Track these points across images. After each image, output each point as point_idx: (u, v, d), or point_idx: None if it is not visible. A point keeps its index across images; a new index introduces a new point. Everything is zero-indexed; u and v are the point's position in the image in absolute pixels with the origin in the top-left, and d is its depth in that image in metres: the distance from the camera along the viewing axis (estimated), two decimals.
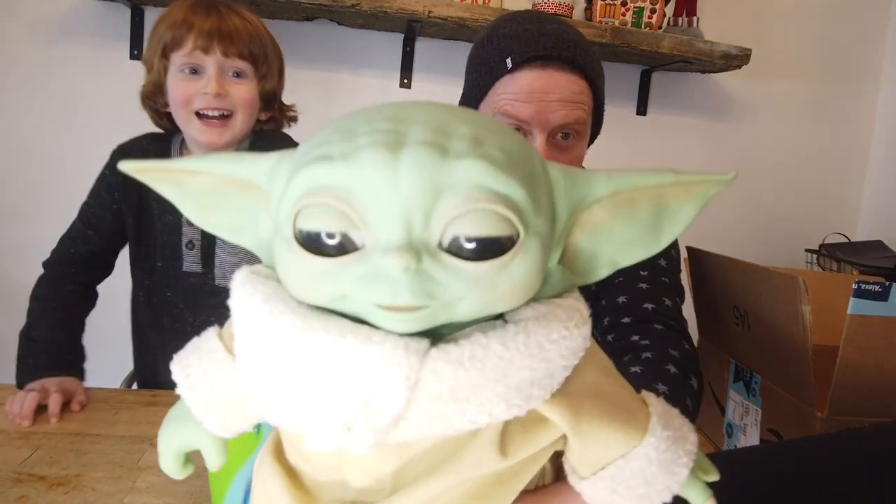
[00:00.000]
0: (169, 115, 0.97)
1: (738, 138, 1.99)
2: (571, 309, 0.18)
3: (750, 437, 0.75)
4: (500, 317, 0.17)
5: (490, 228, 0.15)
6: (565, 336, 0.17)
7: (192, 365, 0.21)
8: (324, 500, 0.19)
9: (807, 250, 1.80)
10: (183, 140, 1.01)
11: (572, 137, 0.76)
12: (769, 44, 1.89)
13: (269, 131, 1.05)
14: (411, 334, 0.16)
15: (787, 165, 2.04)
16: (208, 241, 1.02)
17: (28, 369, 0.89)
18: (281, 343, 0.15)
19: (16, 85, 1.65)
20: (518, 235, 0.16)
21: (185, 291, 1.03)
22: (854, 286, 0.61)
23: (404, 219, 0.15)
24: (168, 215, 1.01)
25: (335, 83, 1.76)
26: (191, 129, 0.93)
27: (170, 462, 0.23)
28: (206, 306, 1.05)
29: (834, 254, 1.68)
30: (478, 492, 0.17)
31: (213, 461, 0.23)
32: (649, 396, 0.21)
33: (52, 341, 0.95)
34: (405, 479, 0.17)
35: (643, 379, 0.62)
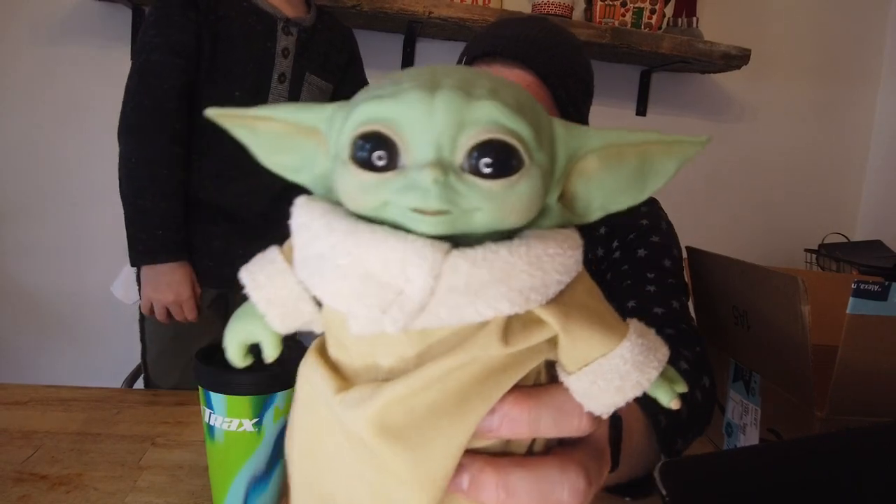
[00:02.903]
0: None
1: (738, 138, 1.99)
2: (566, 234, 0.22)
3: (750, 437, 0.75)
4: (508, 236, 0.21)
5: (502, 155, 0.20)
6: (559, 253, 0.21)
7: (256, 271, 0.25)
8: (359, 383, 0.22)
9: (806, 250, 1.80)
10: None
11: None
12: (769, 44, 1.89)
13: (328, 12, 1.11)
14: (437, 238, 0.20)
15: (787, 165, 2.04)
16: (297, 78, 1.03)
17: (145, 250, 0.98)
18: (335, 243, 0.20)
19: (17, 85, 1.65)
20: (524, 163, 0.20)
21: None
22: (853, 286, 0.61)
23: (436, 144, 0.20)
24: (256, 44, 1.00)
25: None
26: None
27: (234, 353, 0.28)
28: None
29: (833, 254, 1.68)
30: (482, 375, 0.22)
31: (269, 352, 0.28)
32: (630, 320, 0.24)
33: (166, 215, 0.97)
34: (425, 361, 0.21)
35: None
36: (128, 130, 0.99)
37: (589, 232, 0.80)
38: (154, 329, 1.10)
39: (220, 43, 0.99)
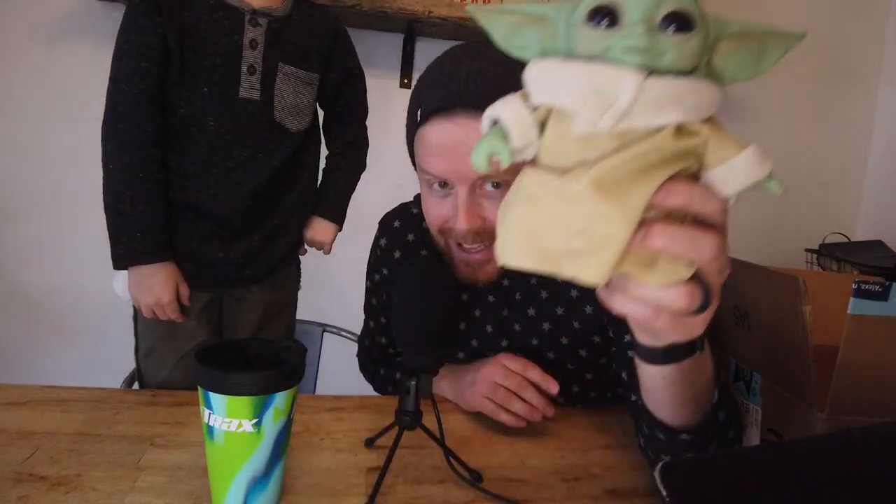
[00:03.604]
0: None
1: None
2: (712, 83, 0.34)
3: (750, 437, 0.75)
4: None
5: (683, 21, 0.31)
6: (710, 90, 0.33)
7: (496, 106, 0.36)
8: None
9: (807, 250, 1.80)
10: None
11: (504, 186, 0.68)
12: None
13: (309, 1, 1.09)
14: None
15: (787, 165, 2.04)
16: (269, 69, 1.02)
17: (126, 253, 0.99)
18: (574, 70, 0.32)
19: (16, 85, 1.65)
20: (694, 28, 0.32)
21: (235, 120, 1.01)
22: (854, 286, 0.61)
23: (644, 12, 0.31)
24: (222, 38, 0.99)
25: None
26: None
27: (481, 157, 0.36)
28: (257, 139, 1.04)
29: (834, 254, 1.68)
30: (658, 160, 0.33)
31: (505, 160, 0.35)
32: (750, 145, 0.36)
33: (145, 218, 0.99)
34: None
35: None
36: (105, 138, 1.00)
37: None
38: (145, 327, 1.11)
39: (186, 41, 0.99)
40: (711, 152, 0.34)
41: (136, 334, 1.14)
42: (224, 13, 1.00)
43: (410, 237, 0.90)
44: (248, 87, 1.01)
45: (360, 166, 1.27)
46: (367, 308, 0.99)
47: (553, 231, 0.34)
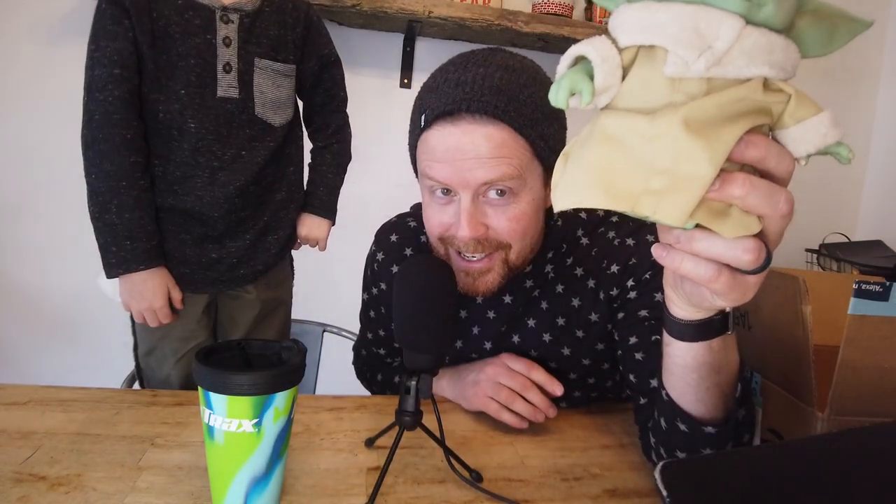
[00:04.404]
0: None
1: None
2: (796, 48, 0.34)
3: None
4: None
5: None
6: (797, 56, 0.34)
7: (582, 43, 0.35)
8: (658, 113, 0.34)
9: (807, 250, 1.80)
10: None
11: (508, 195, 0.67)
12: None
13: None
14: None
15: None
16: (245, 66, 1.01)
17: (117, 262, 0.99)
18: (677, 11, 0.32)
19: (16, 85, 1.65)
20: None
21: (216, 120, 1.01)
22: (854, 286, 0.61)
23: None
24: (195, 38, 0.98)
25: None
26: None
27: (562, 98, 0.34)
28: (240, 137, 1.04)
29: (834, 254, 1.68)
30: (744, 109, 0.33)
31: (586, 97, 0.34)
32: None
33: (132, 226, 0.98)
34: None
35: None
36: (85, 147, 0.99)
37: (601, 271, 0.77)
38: (143, 326, 1.10)
39: (158, 43, 0.97)
40: (789, 112, 0.35)
41: (133, 333, 1.14)
42: (194, 12, 0.99)
43: (408, 251, 0.88)
44: (226, 86, 1.00)
45: (346, 157, 1.25)
46: (364, 319, 0.97)
47: (634, 170, 0.34)
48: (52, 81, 1.65)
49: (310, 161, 1.24)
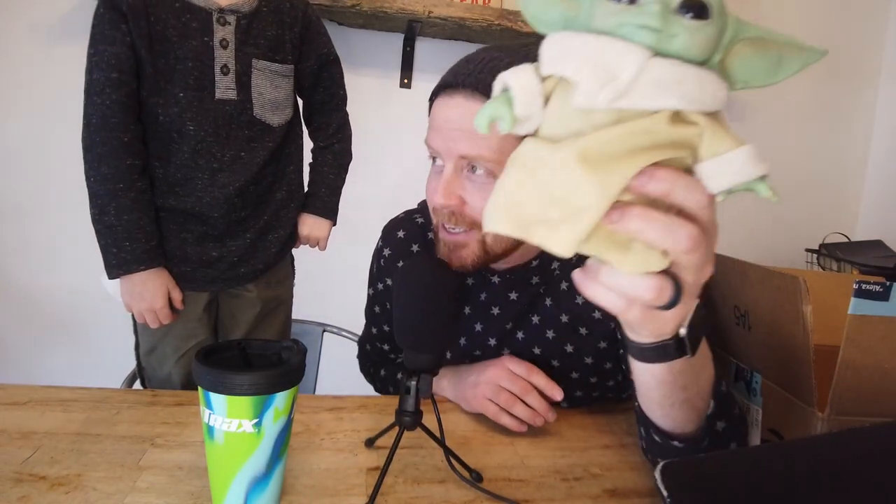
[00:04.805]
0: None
1: None
2: (719, 79, 0.33)
3: (750, 437, 0.75)
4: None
5: (699, 8, 0.31)
6: (714, 83, 0.33)
7: (508, 72, 0.36)
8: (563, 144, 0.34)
9: (807, 250, 1.80)
10: None
11: (483, 173, 0.68)
12: None
13: None
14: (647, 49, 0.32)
15: (787, 165, 2.04)
16: (243, 67, 1.01)
17: (118, 262, 0.99)
18: (585, 40, 0.32)
19: (16, 85, 1.65)
20: (710, 17, 0.31)
21: (215, 122, 1.01)
22: (854, 286, 0.61)
23: None
24: (192, 41, 0.98)
25: None
26: None
27: (483, 124, 0.36)
28: (239, 139, 1.04)
29: (834, 254, 1.68)
30: (648, 143, 0.33)
31: (506, 125, 0.35)
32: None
33: (131, 227, 0.98)
34: None
35: None
36: (84, 151, 1.00)
37: None
38: (144, 326, 1.11)
39: (156, 47, 0.98)
40: (705, 145, 0.34)
41: (135, 332, 1.14)
42: (191, 15, 0.99)
43: (415, 248, 0.90)
44: (224, 88, 1.01)
45: (347, 157, 1.25)
46: (370, 315, 0.99)
47: (534, 198, 0.34)
48: (52, 81, 1.65)
49: (311, 161, 1.24)
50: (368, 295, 0.97)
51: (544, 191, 0.34)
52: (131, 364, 1.18)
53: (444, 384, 0.85)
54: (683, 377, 0.51)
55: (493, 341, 0.84)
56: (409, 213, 0.94)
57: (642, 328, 0.44)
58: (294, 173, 1.17)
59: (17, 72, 1.65)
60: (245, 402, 0.51)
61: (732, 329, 0.82)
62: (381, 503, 0.60)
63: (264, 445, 0.53)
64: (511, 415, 0.75)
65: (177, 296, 1.07)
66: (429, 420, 0.63)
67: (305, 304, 1.34)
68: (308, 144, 1.25)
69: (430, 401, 0.64)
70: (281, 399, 0.53)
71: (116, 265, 1.01)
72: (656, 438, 0.58)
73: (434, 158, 0.73)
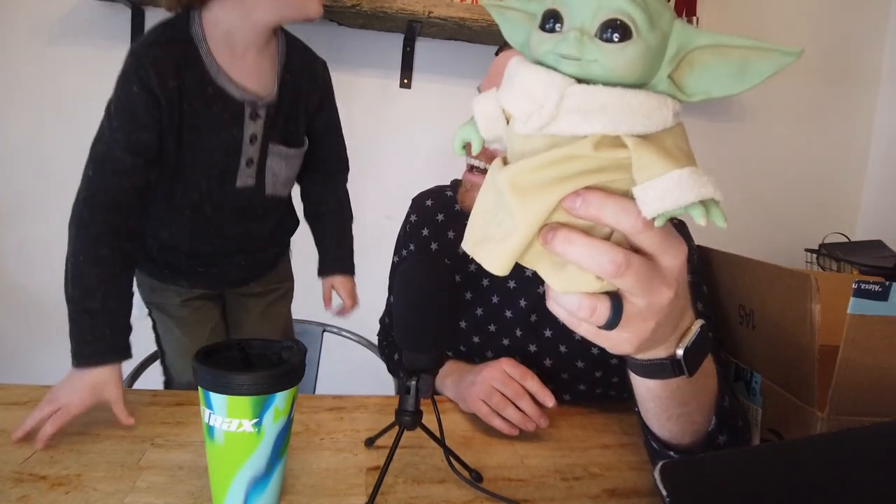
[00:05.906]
0: None
1: (738, 138, 1.99)
2: (659, 97, 0.32)
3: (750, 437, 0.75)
4: None
5: (618, 29, 0.30)
6: (646, 104, 0.32)
7: (478, 97, 0.37)
8: None
9: (807, 250, 1.80)
10: (199, 22, 0.92)
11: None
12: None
13: (299, 47, 1.04)
14: (570, 77, 0.32)
15: (787, 165, 2.04)
16: (262, 156, 1.01)
17: (91, 352, 0.84)
18: (518, 72, 0.33)
19: (16, 85, 1.65)
20: (632, 37, 0.30)
21: (233, 207, 1.01)
22: (854, 286, 0.61)
23: (581, 19, 0.31)
24: (222, 133, 0.95)
25: (335, 83, 1.76)
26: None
27: (457, 146, 0.38)
28: (253, 216, 1.04)
29: (834, 253, 1.68)
30: (578, 168, 0.33)
31: (475, 147, 0.37)
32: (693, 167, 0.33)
33: (114, 315, 0.87)
34: None
35: None
36: (78, 223, 0.92)
37: None
38: (166, 339, 1.12)
39: (185, 134, 0.93)
40: (635, 168, 0.32)
41: (158, 344, 1.15)
42: (223, 105, 0.94)
43: (440, 217, 0.94)
44: (246, 177, 0.99)
45: (351, 213, 1.22)
46: (391, 285, 1.01)
47: (484, 218, 0.36)
48: (52, 81, 1.65)
49: (318, 224, 1.21)
50: (392, 262, 1.00)
51: (490, 211, 0.36)
52: (132, 364, 1.18)
53: (448, 383, 0.85)
54: (681, 394, 0.50)
55: (506, 341, 0.86)
56: (440, 187, 1.00)
57: (601, 344, 0.41)
58: (288, 204, 1.15)
59: (17, 72, 1.65)
60: (245, 402, 0.51)
61: (736, 328, 0.82)
62: (381, 503, 0.60)
63: (264, 445, 0.53)
64: (502, 417, 0.75)
65: (119, 410, 0.79)
66: (429, 420, 0.63)
67: (305, 304, 1.33)
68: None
69: (431, 401, 0.64)
70: (281, 399, 0.53)
71: (90, 355, 0.86)
72: (654, 445, 0.58)
73: None
